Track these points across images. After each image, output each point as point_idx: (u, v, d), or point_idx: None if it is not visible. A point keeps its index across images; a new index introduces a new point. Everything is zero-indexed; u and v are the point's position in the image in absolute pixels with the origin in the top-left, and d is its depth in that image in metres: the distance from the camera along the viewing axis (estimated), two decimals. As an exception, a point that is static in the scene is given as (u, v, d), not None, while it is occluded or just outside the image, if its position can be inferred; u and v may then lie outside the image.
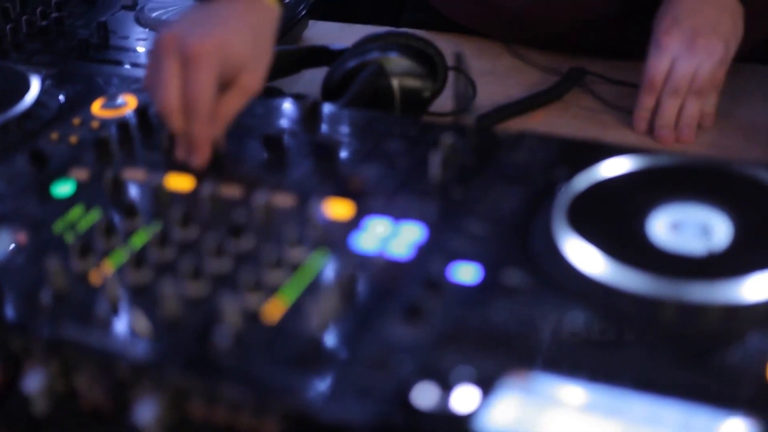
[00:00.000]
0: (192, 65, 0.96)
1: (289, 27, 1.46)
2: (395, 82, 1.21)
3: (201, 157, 0.97)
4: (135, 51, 1.38)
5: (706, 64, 1.23)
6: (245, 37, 1.01)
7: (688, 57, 1.23)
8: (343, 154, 0.99)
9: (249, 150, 1.01)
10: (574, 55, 1.43)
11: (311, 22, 1.54)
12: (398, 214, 0.89)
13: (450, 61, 1.27)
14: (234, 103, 1.01)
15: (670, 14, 1.26)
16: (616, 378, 0.70)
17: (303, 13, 1.50)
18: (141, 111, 1.05)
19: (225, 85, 1.00)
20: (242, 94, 1.01)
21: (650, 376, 0.70)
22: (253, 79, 1.01)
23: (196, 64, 0.96)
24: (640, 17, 1.30)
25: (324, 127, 1.05)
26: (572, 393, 0.69)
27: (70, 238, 0.89)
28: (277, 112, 1.08)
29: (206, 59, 0.96)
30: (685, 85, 1.23)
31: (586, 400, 0.68)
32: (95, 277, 0.84)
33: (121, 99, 1.11)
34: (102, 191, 0.96)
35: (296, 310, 0.79)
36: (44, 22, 1.44)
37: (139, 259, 0.84)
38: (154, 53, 1.00)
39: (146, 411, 0.74)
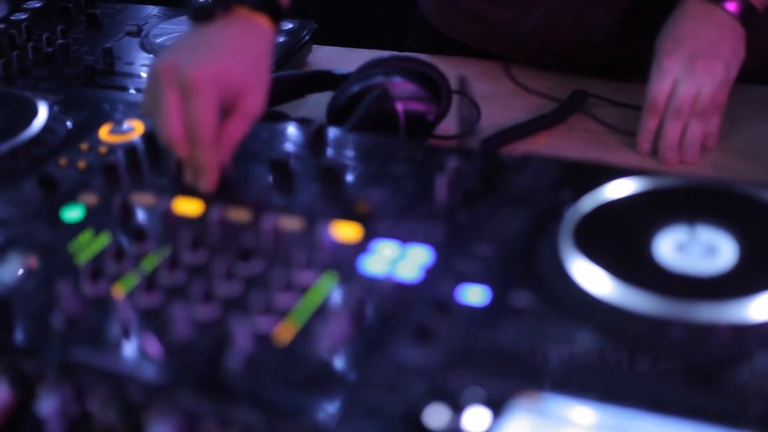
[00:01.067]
0: (192, 94, 0.97)
1: (293, 52, 1.46)
2: (399, 106, 1.22)
3: (210, 182, 0.98)
4: (140, 77, 1.39)
5: (708, 85, 1.24)
6: (243, 61, 1.02)
7: (690, 79, 1.24)
8: (349, 177, 1.00)
9: (256, 174, 1.02)
10: (577, 76, 1.44)
11: (315, 47, 1.55)
12: (405, 236, 0.90)
13: (453, 84, 1.27)
14: (238, 128, 1.01)
15: (671, 36, 1.27)
16: (625, 398, 0.70)
17: (307, 38, 1.51)
18: (148, 136, 1.06)
19: (227, 109, 1.00)
20: (245, 117, 1.01)
21: (659, 396, 0.71)
22: (254, 103, 1.02)
23: (196, 93, 0.97)
24: (643, 37, 1.31)
25: (329, 151, 1.05)
26: (582, 414, 0.69)
27: (80, 263, 0.90)
28: (282, 136, 1.09)
29: (206, 87, 0.97)
30: (687, 107, 1.24)
31: (596, 420, 0.69)
32: (106, 301, 0.85)
33: (128, 124, 1.12)
34: (111, 216, 0.96)
35: (306, 333, 0.80)
36: (50, 49, 1.45)
37: (149, 282, 0.85)
38: (151, 82, 1.00)
39: (158, 434, 0.74)
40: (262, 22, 1.07)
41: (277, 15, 1.09)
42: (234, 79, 1.00)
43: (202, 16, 1.06)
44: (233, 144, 1.01)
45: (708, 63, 1.24)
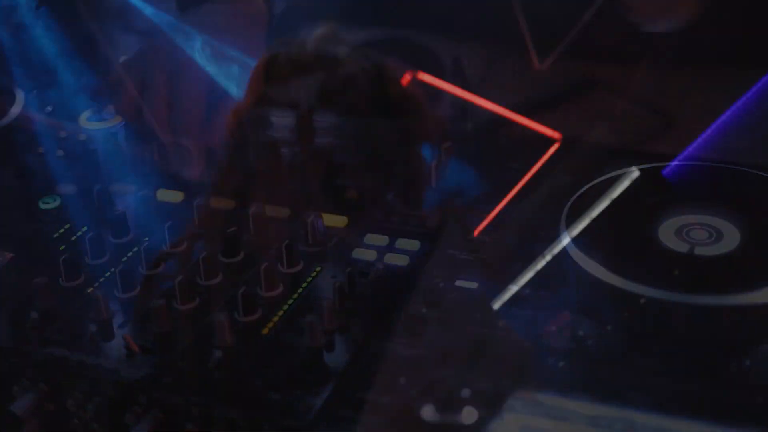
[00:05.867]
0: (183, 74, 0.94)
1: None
2: (391, 89, 1.19)
3: (195, 169, 0.95)
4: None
5: None
6: (239, 38, 0.99)
7: None
8: (339, 163, 0.97)
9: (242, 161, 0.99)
10: (574, 60, 1.40)
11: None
12: (396, 224, 0.87)
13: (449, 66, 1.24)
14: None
15: None
16: (625, 391, 0.67)
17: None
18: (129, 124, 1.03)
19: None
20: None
21: (660, 387, 0.68)
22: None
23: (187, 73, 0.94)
24: None
25: (318, 136, 1.02)
26: (580, 408, 0.67)
27: (58, 255, 0.86)
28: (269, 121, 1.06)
29: (197, 67, 0.94)
30: None
31: (594, 414, 0.66)
32: (85, 295, 0.82)
33: (108, 111, 1.09)
34: (91, 206, 0.93)
35: (291, 324, 0.77)
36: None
37: (129, 274, 0.81)
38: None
39: (139, 430, 0.71)
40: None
41: None
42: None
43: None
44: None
45: None
